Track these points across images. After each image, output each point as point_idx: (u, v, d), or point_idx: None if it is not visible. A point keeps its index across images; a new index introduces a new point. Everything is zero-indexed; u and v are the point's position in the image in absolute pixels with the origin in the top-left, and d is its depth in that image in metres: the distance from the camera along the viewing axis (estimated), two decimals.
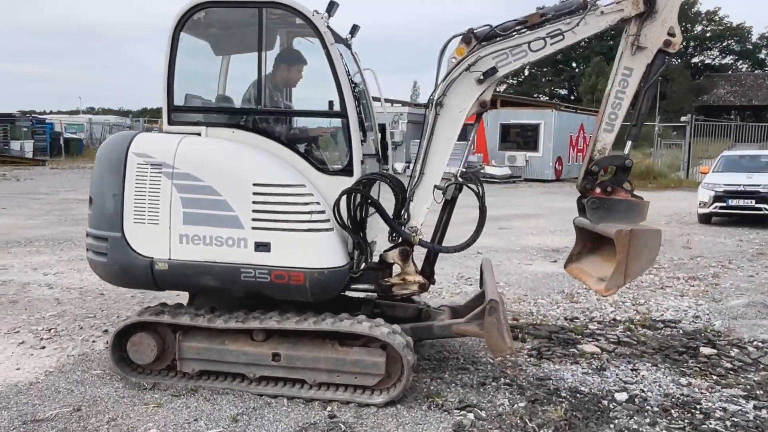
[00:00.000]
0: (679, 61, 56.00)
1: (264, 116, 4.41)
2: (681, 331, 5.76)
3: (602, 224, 4.13)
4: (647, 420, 3.93)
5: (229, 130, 4.27)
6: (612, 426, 3.84)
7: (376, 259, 4.56)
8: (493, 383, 4.42)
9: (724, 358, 5.06)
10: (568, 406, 4.04)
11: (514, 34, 4.16)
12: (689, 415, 4.02)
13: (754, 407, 4.16)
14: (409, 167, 4.99)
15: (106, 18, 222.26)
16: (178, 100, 4.33)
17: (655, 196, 18.76)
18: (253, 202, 4.02)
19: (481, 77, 4.14)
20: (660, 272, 8.30)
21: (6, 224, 11.54)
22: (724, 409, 4.11)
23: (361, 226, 4.24)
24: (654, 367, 4.84)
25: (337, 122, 4.35)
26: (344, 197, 4.10)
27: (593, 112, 26.71)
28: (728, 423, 3.91)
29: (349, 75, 4.27)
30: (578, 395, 4.28)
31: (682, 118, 25.94)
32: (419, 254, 4.50)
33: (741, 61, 60.68)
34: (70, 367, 4.63)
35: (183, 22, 4.20)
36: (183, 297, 4.98)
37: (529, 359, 4.95)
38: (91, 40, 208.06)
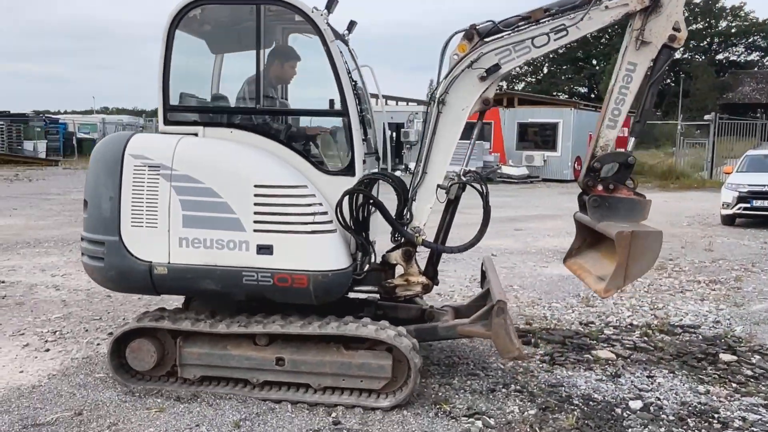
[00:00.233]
0: (703, 57, 55.08)
1: (263, 115, 4.34)
2: (700, 337, 5.60)
3: (603, 223, 4.04)
4: (662, 429, 3.81)
5: (227, 129, 4.21)
6: None
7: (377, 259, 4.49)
8: (504, 390, 4.32)
9: (745, 365, 4.90)
10: (580, 414, 3.94)
11: (517, 29, 4.09)
12: (706, 424, 3.90)
13: None
14: None
15: (120, 18, 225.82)
16: (174, 100, 4.26)
17: (678, 197, 18.54)
18: (255, 204, 3.95)
19: (484, 74, 4.08)
20: (680, 275, 8.09)
21: (17, 225, 11.65)
22: (744, 419, 3.97)
23: (365, 227, 4.18)
24: (671, 374, 4.69)
25: (337, 121, 4.28)
26: (347, 198, 4.03)
27: None
28: None
29: (348, 73, 4.19)
30: (591, 403, 4.16)
31: (706, 117, 25.50)
32: (421, 255, 4.42)
33: (767, 58, 59.51)
34: (73, 371, 4.61)
35: (178, 20, 4.14)
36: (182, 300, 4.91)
37: (541, 365, 4.84)
38: (106, 39, 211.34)
